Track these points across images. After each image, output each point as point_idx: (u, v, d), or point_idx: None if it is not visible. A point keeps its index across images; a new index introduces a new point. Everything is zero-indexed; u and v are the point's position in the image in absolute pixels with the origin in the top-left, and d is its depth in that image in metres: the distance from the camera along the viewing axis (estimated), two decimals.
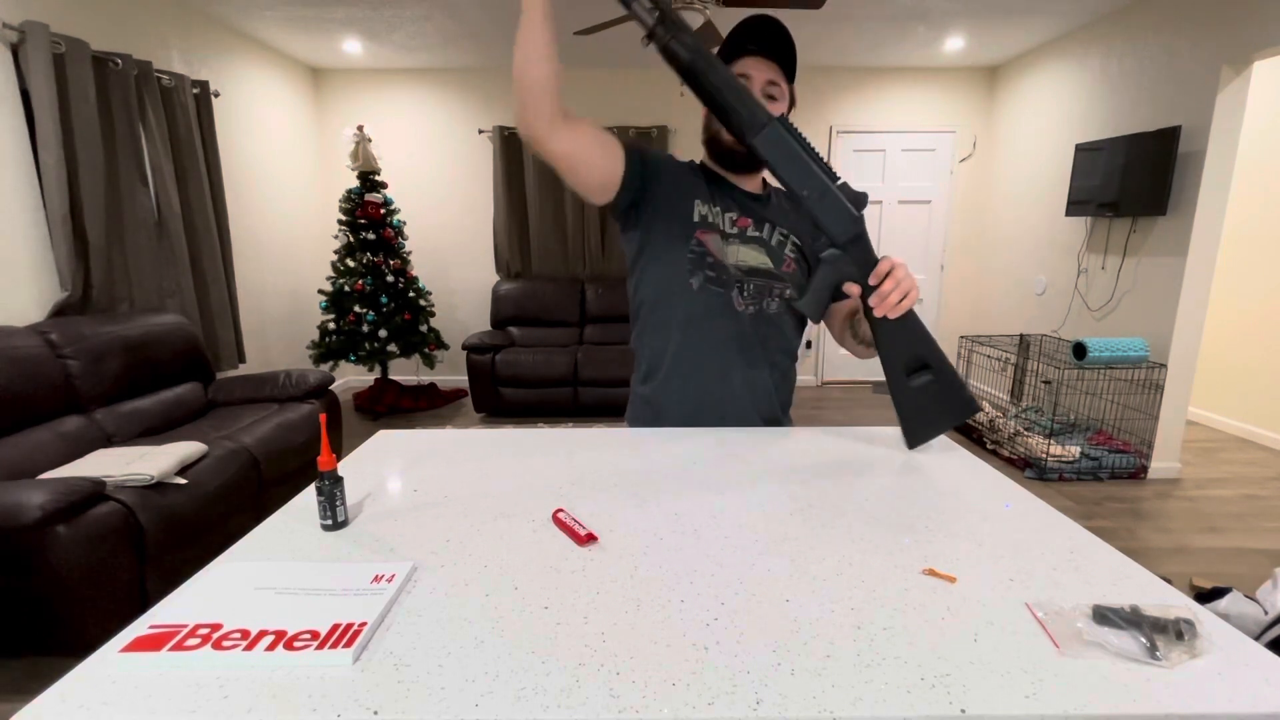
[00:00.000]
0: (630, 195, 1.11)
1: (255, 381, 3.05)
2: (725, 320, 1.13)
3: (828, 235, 0.96)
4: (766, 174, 1.18)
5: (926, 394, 0.99)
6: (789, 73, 1.10)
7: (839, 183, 0.95)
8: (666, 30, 0.90)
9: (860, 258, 0.96)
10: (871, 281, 0.95)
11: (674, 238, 1.12)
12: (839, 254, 0.96)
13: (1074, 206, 3.71)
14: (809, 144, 0.94)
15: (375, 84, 4.79)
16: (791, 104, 1.14)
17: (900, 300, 0.94)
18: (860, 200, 0.95)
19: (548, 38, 0.93)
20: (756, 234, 1.15)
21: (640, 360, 1.23)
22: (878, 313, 0.96)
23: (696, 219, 1.12)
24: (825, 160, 0.95)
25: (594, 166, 1.05)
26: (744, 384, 1.16)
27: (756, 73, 1.07)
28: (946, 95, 4.83)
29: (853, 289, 0.98)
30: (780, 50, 1.08)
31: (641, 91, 4.79)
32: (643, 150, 1.12)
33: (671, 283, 1.13)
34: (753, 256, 1.14)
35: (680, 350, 1.15)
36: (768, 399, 1.19)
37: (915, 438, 1.03)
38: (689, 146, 4.71)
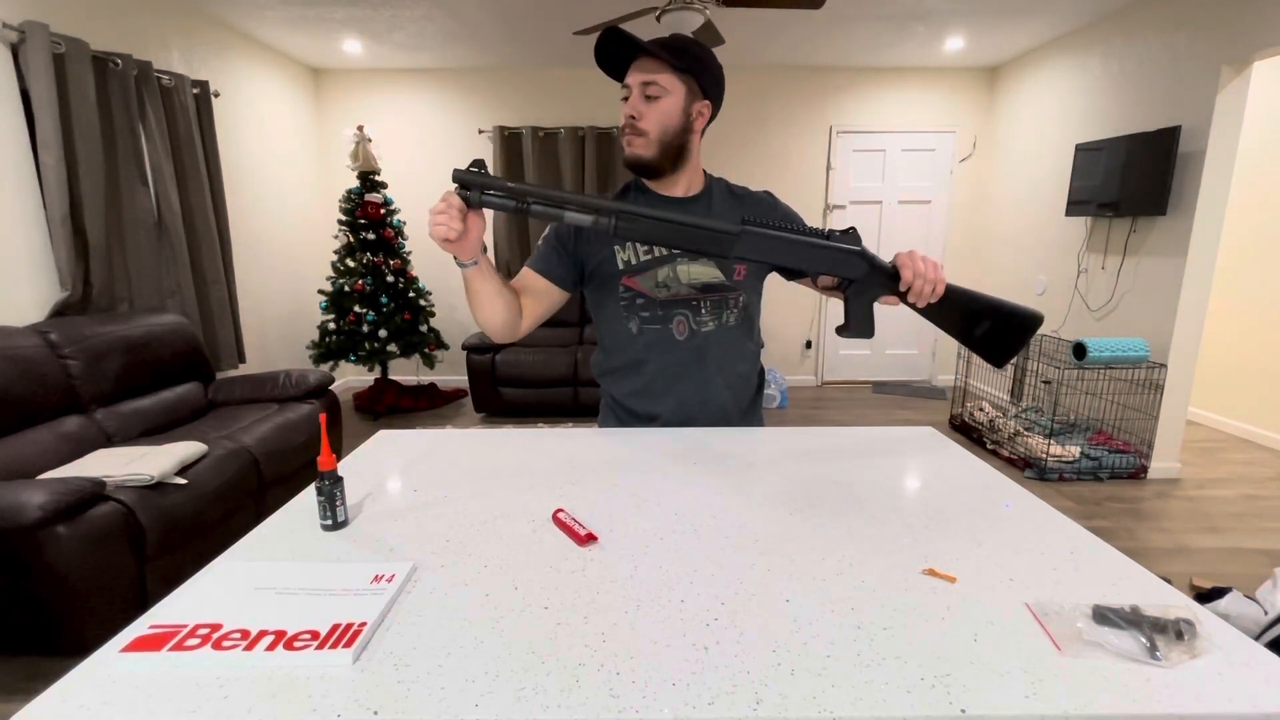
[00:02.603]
0: (575, 282, 1.18)
1: (255, 381, 3.05)
2: (668, 353, 1.17)
3: (847, 279, 0.99)
4: (704, 166, 1.20)
5: (993, 335, 1.05)
6: (678, 60, 1.05)
7: (827, 235, 0.98)
8: (608, 218, 0.90)
9: (880, 278, 0.99)
10: (902, 289, 0.99)
11: (607, 292, 1.17)
12: (861, 284, 1.00)
13: (1074, 206, 3.71)
14: (780, 222, 0.96)
15: (375, 84, 4.79)
16: (701, 88, 1.09)
17: (934, 288, 0.98)
18: (853, 237, 0.98)
19: (491, 296, 1.03)
20: None
21: (604, 395, 1.30)
22: (921, 305, 1.00)
23: (620, 266, 1.15)
24: (799, 225, 1.01)
25: (551, 308, 1.17)
26: (699, 405, 1.20)
27: (632, 78, 1.06)
28: (946, 95, 4.83)
29: (890, 300, 1.02)
30: (660, 46, 1.04)
31: None
32: (553, 249, 1.16)
33: (616, 332, 1.19)
34: (703, 272, 1.15)
35: (635, 390, 1.22)
36: (722, 412, 1.23)
37: (999, 361, 1.07)
38: None
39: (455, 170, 0.88)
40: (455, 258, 0.97)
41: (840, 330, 1.04)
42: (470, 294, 1.03)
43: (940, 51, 4.35)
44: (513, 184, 0.88)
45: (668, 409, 1.20)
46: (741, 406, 1.25)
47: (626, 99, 1.09)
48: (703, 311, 1.15)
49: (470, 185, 0.89)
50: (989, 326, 1.04)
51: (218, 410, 2.90)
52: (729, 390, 1.22)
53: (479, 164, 0.89)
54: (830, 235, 0.97)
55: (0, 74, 2.43)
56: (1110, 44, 3.59)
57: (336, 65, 4.67)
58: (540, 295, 1.15)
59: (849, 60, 4.60)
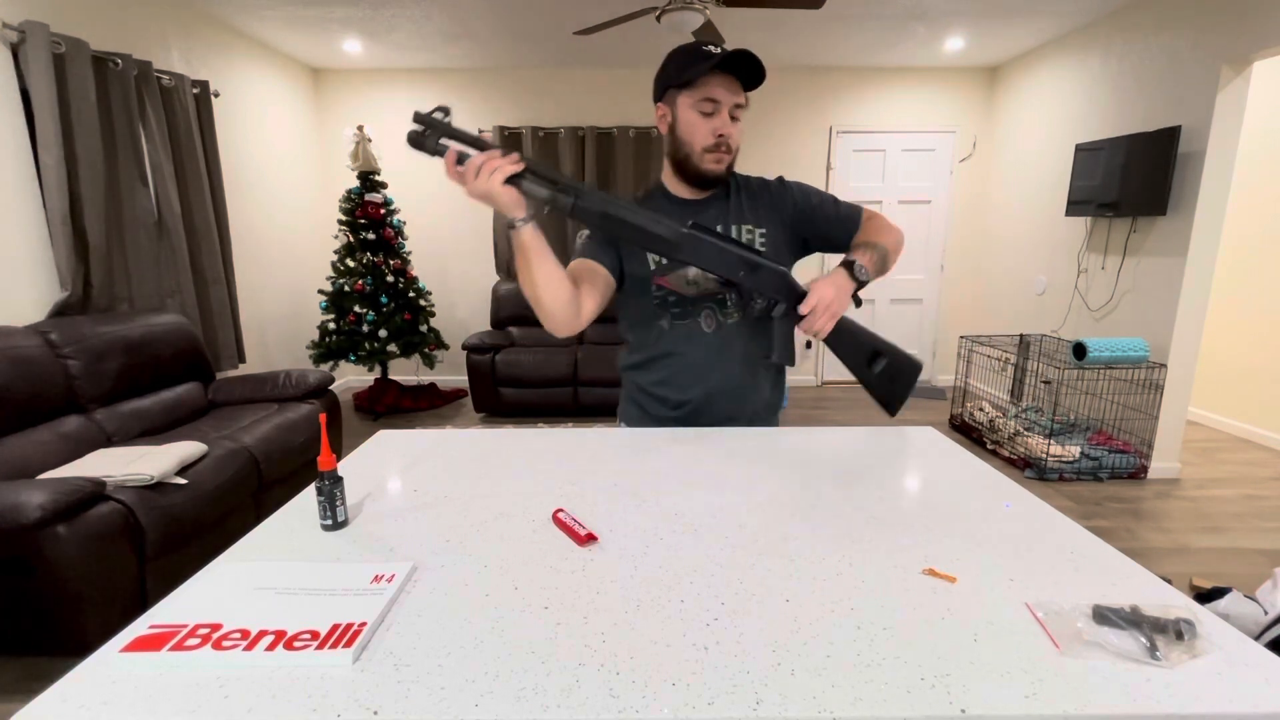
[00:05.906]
0: (620, 275, 1.22)
1: (255, 381, 3.04)
2: (696, 344, 1.21)
3: (770, 299, 1.08)
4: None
5: (887, 373, 1.15)
6: (750, 82, 1.13)
7: (759, 252, 1.07)
8: (568, 196, 0.94)
9: (789, 299, 1.07)
10: (803, 310, 1.05)
11: (640, 291, 1.21)
12: (784, 307, 1.08)
13: (1074, 206, 3.70)
14: (723, 234, 1.06)
15: (375, 84, 4.79)
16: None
17: (827, 322, 1.05)
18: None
19: (552, 270, 1.03)
20: None
21: (628, 386, 1.33)
22: (811, 333, 1.06)
23: (653, 267, 1.19)
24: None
25: (605, 298, 1.19)
26: (724, 392, 1.24)
27: (724, 96, 1.10)
28: (946, 95, 4.83)
29: (803, 329, 1.09)
30: (743, 65, 1.09)
31: (640, 91, 4.79)
32: (599, 243, 1.19)
33: (647, 329, 1.25)
34: None
35: (664, 378, 1.25)
36: (746, 398, 1.27)
37: (893, 407, 1.17)
38: None
39: (416, 113, 0.87)
40: (506, 218, 0.98)
41: (764, 357, 1.13)
42: (529, 268, 1.02)
43: (940, 51, 4.35)
44: (473, 135, 0.89)
45: (695, 396, 1.24)
46: (764, 393, 1.29)
47: (709, 114, 1.11)
48: (728, 305, 1.20)
49: (429, 125, 0.88)
50: (885, 364, 1.14)
51: (218, 410, 2.90)
52: (753, 378, 1.26)
53: (444, 110, 0.88)
54: (762, 254, 1.07)
55: (0, 74, 2.43)
56: (1110, 44, 3.59)
57: (336, 65, 4.67)
58: (596, 282, 1.16)
59: (849, 60, 4.60)
